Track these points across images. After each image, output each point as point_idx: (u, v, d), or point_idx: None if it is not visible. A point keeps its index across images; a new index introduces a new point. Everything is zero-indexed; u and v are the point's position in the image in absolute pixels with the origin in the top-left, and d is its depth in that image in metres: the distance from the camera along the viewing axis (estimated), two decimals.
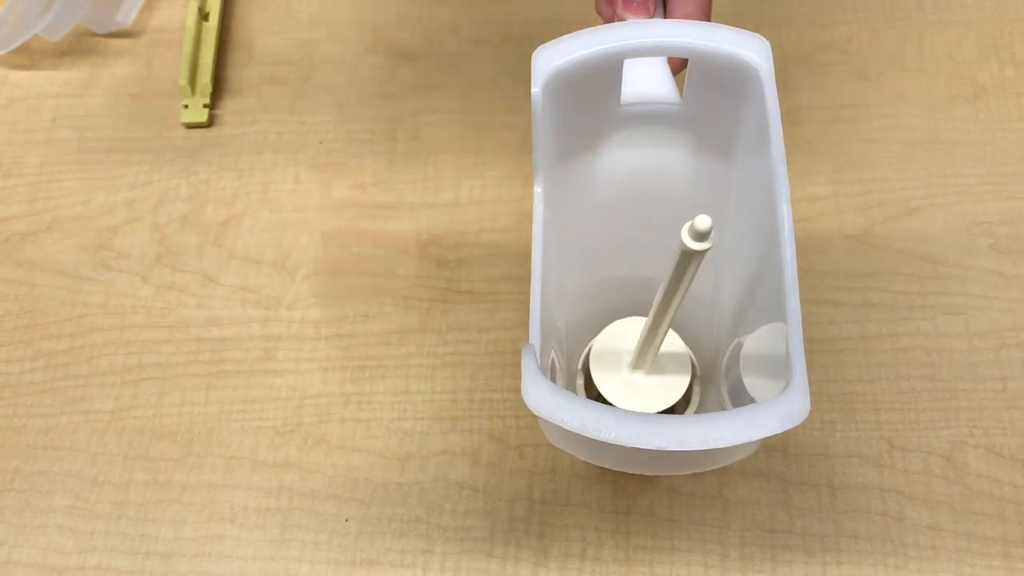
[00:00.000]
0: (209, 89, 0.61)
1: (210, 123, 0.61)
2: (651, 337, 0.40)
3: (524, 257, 0.56)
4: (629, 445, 0.30)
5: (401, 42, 0.65)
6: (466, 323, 0.55)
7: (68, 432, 0.53)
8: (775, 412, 0.31)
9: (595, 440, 0.31)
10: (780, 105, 0.38)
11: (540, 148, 0.37)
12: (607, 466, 0.40)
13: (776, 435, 0.31)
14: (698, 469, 0.42)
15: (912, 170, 0.59)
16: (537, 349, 0.33)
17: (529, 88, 0.37)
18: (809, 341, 0.54)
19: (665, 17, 0.42)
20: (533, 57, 0.37)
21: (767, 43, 0.37)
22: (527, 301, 0.55)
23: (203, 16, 0.64)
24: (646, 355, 0.42)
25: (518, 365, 0.53)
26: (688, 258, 0.33)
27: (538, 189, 0.38)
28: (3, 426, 0.54)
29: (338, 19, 0.66)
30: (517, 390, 0.53)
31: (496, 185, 0.59)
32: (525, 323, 0.54)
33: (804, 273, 0.56)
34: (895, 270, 0.56)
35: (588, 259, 0.46)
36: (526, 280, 0.55)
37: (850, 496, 0.50)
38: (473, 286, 0.56)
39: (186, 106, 0.61)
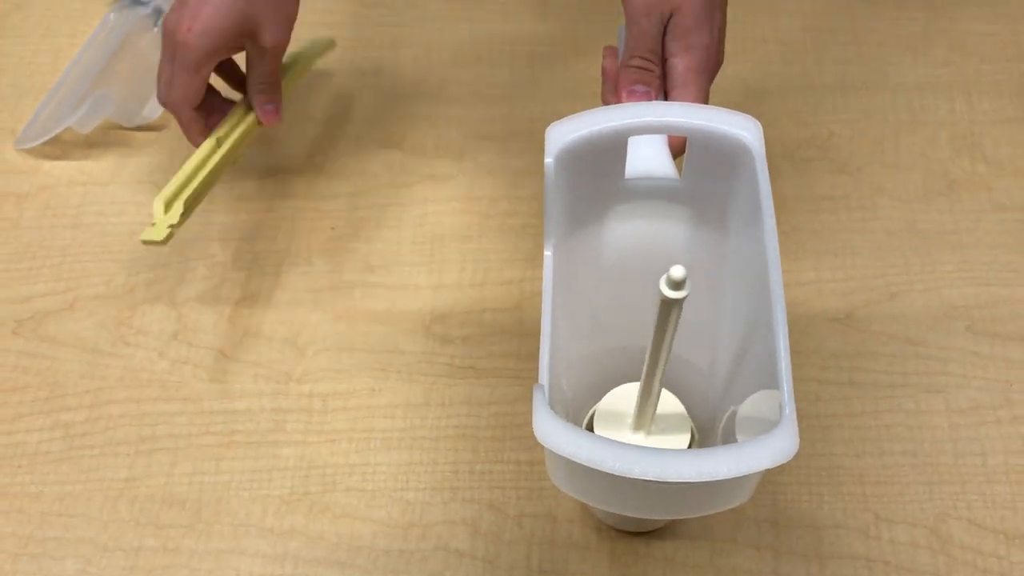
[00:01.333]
0: (180, 212, 0.55)
1: (165, 242, 0.54)
2: (647, 391, 0.42)
3: (525, 335, 0.60)
4: (630, 476, 0.33)
5: (410, 137, 0.69)
6: (468, 398, 0.58)
7: (82, 499, 0.55)
8: (766, 449, 0.33)
9: (598, 478, 0.34)
10: None
11: (551, 214, 0.41)
12: (609, 507, 0.42)
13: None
14: (695, 512, 0.43)
15: (891, 258, 0.62)
16: (546, 389, 0.36)
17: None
18: (798, 418, 0.56)
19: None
20: (547, 131, 0.41)
21: (759, 124, 0.41)
22: (528, 377, 0.58)
23: (218, 143, 0.60)
24: (645, 414, 0.44)
25: (518, 438, 0.56)
26: (668, 307, 0.36)
27: (548, 252, 0.41)
28: (20, 493, 0.56)
29: (351, 116, 0.70)
30: (517, 461, 0.55)
31: (498, 268, 0.62)
32: (526, 398, 0.57)
33: (792, 356, 0.58)
34: (877, 351, 0.58)
35: (594, 326, 0.48)
36: (527, 357, 0.59)
37: (838, 567, 0.51)
38: (476, 363, 0.59)
39: (153, 224, 0.55)
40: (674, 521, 0.53)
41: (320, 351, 0.60)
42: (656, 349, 0.40)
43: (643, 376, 0.42)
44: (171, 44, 0.57)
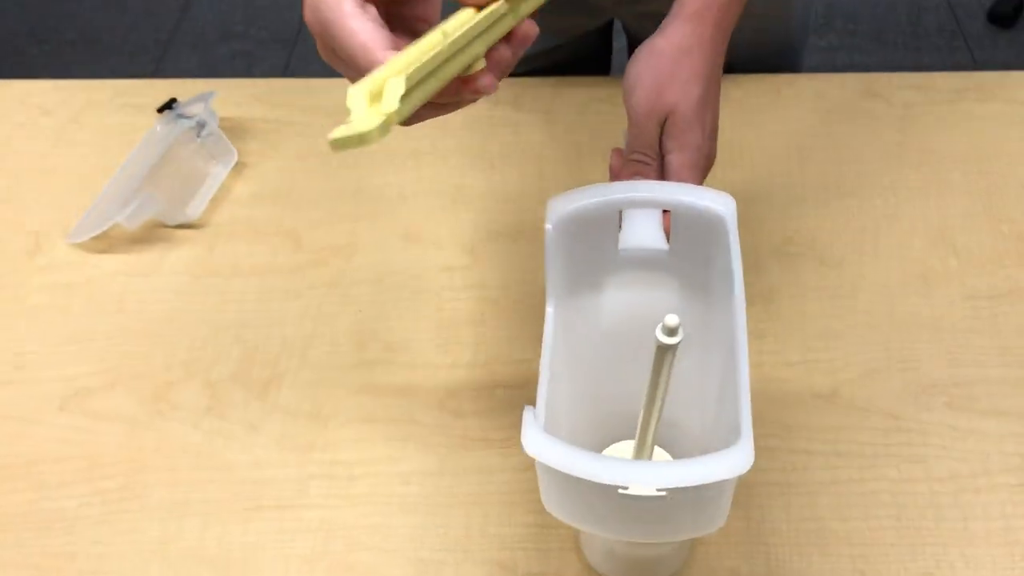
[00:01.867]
0: (399, 94, 0.38)
1: (378, 135, 0.38)
2: (641, 443, 0.47)
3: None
4: (600, 482, 0.37)
5: (429, 234, 0.75)
6: (480, 466, 0.62)
7: (116, 559, 0.59)
8: (725, 462, 0.38)
9: (582, 496, 0.38)
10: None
11: (551, 276, 0.46)
12: (595, 529, 0.45)
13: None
14: (676, 533, 0.46)
15: (872, 340, 0.67)
16: (540, 413, 0.41)
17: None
18: (787, 485, 0.60)
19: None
20: (548, 203, 0.47)
21: (732, 199, 0.47)
22: None
23: (444, 36, 0.43)
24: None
25: (526, 503, 0.60)
26: (663, 352, 0.41)
27: (549, 309, 0.46)
28: (58, 553, 0.59)
29: (376, 213, 0.77)
30: (526, 524, 0.59)
31: (508, 349, 0.68)
32: (533, 467, 0.61)
33: (780, 427, 0.63)
34: (861, 424, 0.63)
35: (593, 391, 0.53)
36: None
37: None
38: (487, 434, 0.63)
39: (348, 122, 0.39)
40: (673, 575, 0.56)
41: (343, 423, 0.65)
42: (651, 397, 0.44)
43: (638, 427, 0.46)
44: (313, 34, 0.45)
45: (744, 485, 0.60)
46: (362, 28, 0.42)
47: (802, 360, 0.66)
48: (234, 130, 0.84)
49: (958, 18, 2.13)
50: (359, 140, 0.36)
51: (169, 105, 0.84)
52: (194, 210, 0.77)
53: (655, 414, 0.45)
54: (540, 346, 0.67)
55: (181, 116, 0.82)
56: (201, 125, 0.81)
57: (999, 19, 2.10)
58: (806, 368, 0.66)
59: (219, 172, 0.81)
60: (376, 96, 0.38)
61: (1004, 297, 0.69)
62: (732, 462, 0.38)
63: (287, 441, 0.64)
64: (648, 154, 0.58)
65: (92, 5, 2.36)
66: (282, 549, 0.59)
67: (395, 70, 0.39)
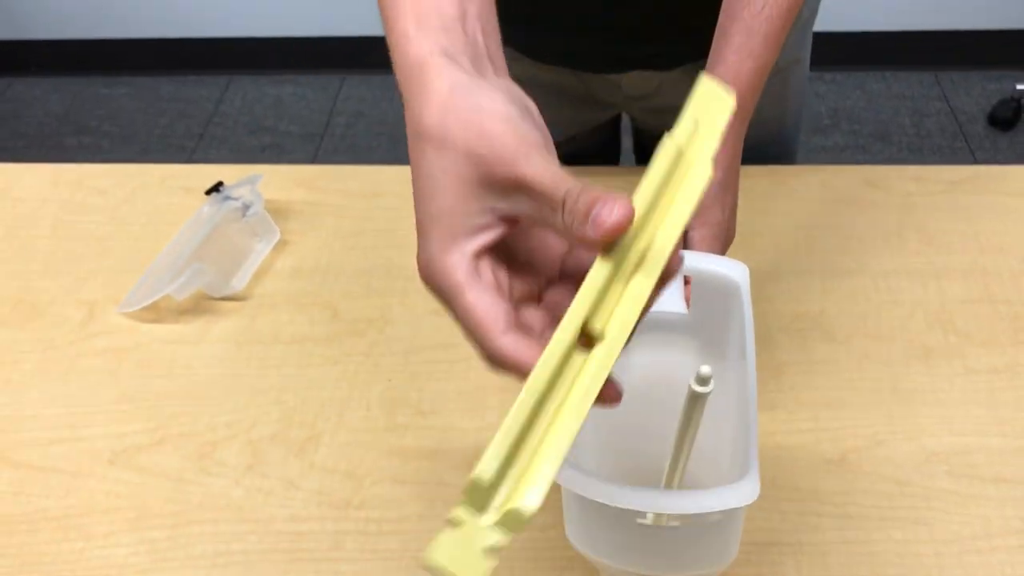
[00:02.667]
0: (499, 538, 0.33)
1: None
2: (670, 480, 0.51)
3: None
4: (616, 505, 0.41)
5: None
6: None
7: None
8: (736, 492, 0.42)
9: (602, 526, 0.41)
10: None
11: None
12: (613, 560, 0.49)
13: None
14: (689, 567, 0.49)
15: (878, 412, 0.71)
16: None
17: None
18: (798, 544, 0.63)
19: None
20: None
21: (746, 268, 0.52)
22: (560, 507, 0.65)
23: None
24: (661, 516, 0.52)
25: (548, 559, 0.63)
26: (695, 400, 0.45)
27: None
28: None
29: (407, 290, 0.82)
30: None
31: None
32: (557, 524, 0.64)
33: (792, 491, 0.66)
34: (868, 488, 0.66)
35: (617, 442, 0.57)
36: (558, 490, 0.66)
37: None
38: None
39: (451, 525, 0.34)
40: None
41: (376, 482, 0.68)
42: (680, 440, 0.48)
43: (666, 469, 0.50)
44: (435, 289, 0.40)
45: (758, 544, 0.63)
46: (478, 301, 0.38)
47: (812, 429, 0.70)
48: (276, 211, 0.89)
49: (959, 122, 2.21)
50: None
51: (216, 188, 0.91)
52: (238, 283, 0.83)
53: (683, 458, 0.49)
54: None
55: (228, 198, 0.88)
56: (247, 206, 0.87)
57: (999, 122, 2.18)
58: (815, 436, 0.70)
59: (262, 249, 0.86)
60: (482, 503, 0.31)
61: (1001, 372, 0.73)
62: (742, 492, 0.42)
63: (323, 497, 0.68)
64: None
65: (129, 99, 2.48)
66: None
67: (517, 429, 0.34)
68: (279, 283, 0.84)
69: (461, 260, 0.39)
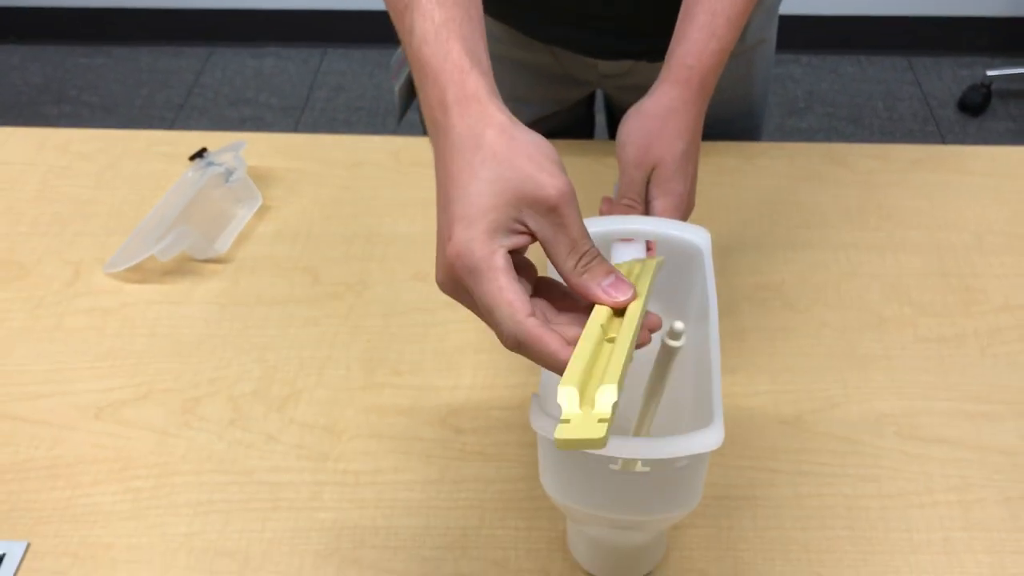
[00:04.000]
0: (613, 400, 0.41)
1: (604, 442, 0.40)
2: (639, 428, 0.54)
3: (526, 429, 0.71)
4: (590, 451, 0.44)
5: (434, 274, 0.83)
6: (477, 476, 0.69)
7: (146, 549, 0.65)
8: (702, 438, 0.45)
9: (574, 471, 0.45)
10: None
11: None
12: (584, 505, 0.52)
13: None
14: (656, 511, 0.52)
15: (832, 376, 0.75)
16: (545, 400, 0.48)
17: None
18: (754, 499, 0.67)
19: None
20: None
21: (707, 232, 0.55)
22: (530, 462, 0.69)
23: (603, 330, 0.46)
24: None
25: (518, 509, 0.67)
26: (667, 353, 0.48)
27: None
28: (95, 543, 0.65)
29: (387, 255, 0.85)
30: (517, 528, 0.66)
31: (505, 375, 0.75)
32: (526, 477, 0.68)
33: (749, 449, 0.70)
34: (821, 447, 0.70)
35: None
36: (527, 445, 0.70)
37: None
38: (484, 449, 0.70)
39: (565, 421, 0.41)
40: (649, 574, 0.62)
41: (354, 437, 0.71)
42: (650, 393, 0.52)
43: (637, 419, 0.54)
44: (452, 273, 0.47)
45: (716, 498, 0.67)
46: (509, 286, 0.45)
47: (770, 391, 0.74)
48: (258, 177, 0.92)
49: (931, 106, 2.25)
50: (588, 444, 0.39)
51: (200, 154, 0.93)
52: (221, 246, 0.85)
53: (653, 407, 0.52)
54: (535, 374, 0.75)
55: (211, 163, 0.91)
56: (229, 172, 0.89)
57: (969, 108, 2.22)
58: (773, 399, 0.73)
59: (244, 214, 0.89)
60: (587, 399, 0.41)
61: (950, 341, 0.77)
62: (709, 439, 0.45)
63: (302, 451, 0.71)
64: (636, 200, 0.66)
65: (109, 70, 2.48)
66: (297, 545, 0.65)
67: (579, 369, 0.42)
68: (261, 247, 0.86)
69: (499, 250, 0.46)
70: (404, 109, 0.95)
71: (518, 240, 0.47)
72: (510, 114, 0.49)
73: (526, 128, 0.49)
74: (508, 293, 0.45)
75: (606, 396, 0.40)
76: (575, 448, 0.39)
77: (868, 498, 0.67)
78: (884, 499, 0.67)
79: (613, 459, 0.48)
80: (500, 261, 0.46)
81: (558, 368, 0.43)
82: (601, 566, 0.62)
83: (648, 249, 0.60)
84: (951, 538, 0.64)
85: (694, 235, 0.55)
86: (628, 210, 0.65)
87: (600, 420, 0.40)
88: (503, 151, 0.47)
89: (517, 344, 0.45)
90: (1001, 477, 0.68)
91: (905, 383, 0.74)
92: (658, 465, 0.48)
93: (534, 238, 0.47)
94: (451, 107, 0.48)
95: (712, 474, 0.68)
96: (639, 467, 0.48)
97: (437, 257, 0.49)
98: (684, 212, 0.67)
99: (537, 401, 0.48)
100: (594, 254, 0.47)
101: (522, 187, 0.46)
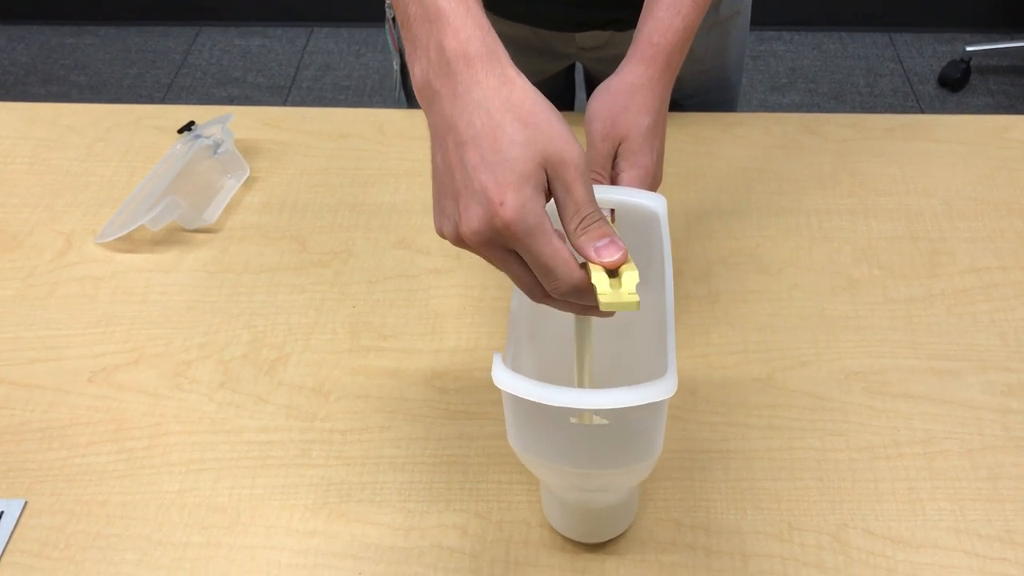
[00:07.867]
0: (635, 281, 0.49)
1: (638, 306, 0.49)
2: (579, 372, 0.56)
3: None
4: (551, 405, 0.47)
5: (417, 241, 0.85)
6: (460, 434, 0.71)
7: (140, 506, 0.67)
8: (654, 388, 0.47)
9: (537, 426, 0.47)
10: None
11: None
12: (550, 459, 0.54)
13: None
14: (619, 462, 0.54)
15: (803, 336, 0.77)
16: (505, 358, 0.50)
17: None
18: (726, 452, 0.70)
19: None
20: None
21: (664, 199, 0.57)
22: (494, 420, 0.71)
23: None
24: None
25: (500, 464, 0.69)
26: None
27: (515, 292, 0.55)
28: (90, 500, 0.68)
29: (371, 224, 0.87)
30: (499, 482, 0.68)
31: (487, 338, 0.77)
32: (495, 435, 0.70)
33: (722, 405, 0.72)
34: (792, 403, 0.72)
35: (550, 358, 0.63)
36: (497, 403, 0.72)
37: (758, 563, 0.63)
38: (467, 408, 0.73)
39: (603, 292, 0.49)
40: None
41: (341, 397, 0.74)
42: (580, 352, 0.54)
43: (575, 373, 0.56)
44: (504, 233, 0.48)
45: (691, 451, 0.69)
46: (563, 245, 0.49)
47: (742, 351, 0.76)
48: (246, 150, 0.94)
49: (911, 82, 2.28)
50: (628, 307, 0.48)
51: (188, 127, 0.95)
52: (210, 216, 0.87)
53: (588, 363, 0.55)
54: None
55: (199, 136, 0.92)
56: (218, 144, 0.91)
57: (949, 83, 2.25)
58: (746, 357, 0.76)
59: (232, 184, 0.90)
60: (616, 281, 0.49)
61: (918, 302, 0.79)
62: (661, 388, 0.48)
63: (291, 411, 0.73)
64: (602, 173, 0.68)
65: (96, 49, 2.48)
66: (286, 500, 0.68)
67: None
68: (249, 217, 0.88)
69: (545, 212, 0.49)
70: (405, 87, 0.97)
71: (545, 201, 0.50)
72: (526, 78, 0.50)
73: (540, 93, 0.50)
74: (564, 251, 0.49)
75: (631, 276, 0.49)
76: (617, 310, 0.48)
77: (837, 451, 0.69)
78: (852, 451, 0.69)
79: (572, 411, 0.50)
80: (549, 223, 0.49)
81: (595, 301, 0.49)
82: (573, 526, 0.64)
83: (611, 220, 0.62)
84: (915, 487, 0.67)
85: (652, 201, 0.57)
86: (593, 182, 0.68)
87: (630, 293, 0.48)
88: (529, 114, 0.49)
89: (574, 291, 0.50)
90: (964, 430, 0.70)
91: (874, 342, 0.76)
92: (615, 416, 0.50)
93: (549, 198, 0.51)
94: (475, 61, 0.49)
95: (686, 429, 0.71)
96: (596, 419, 0.51)
97: (461, 213, 0.49)
98: (651, 186, 0.69)
99: (499, 358, 0.50)
100: (595, 217, 0.50)
101: (547, 150, 0.48)
